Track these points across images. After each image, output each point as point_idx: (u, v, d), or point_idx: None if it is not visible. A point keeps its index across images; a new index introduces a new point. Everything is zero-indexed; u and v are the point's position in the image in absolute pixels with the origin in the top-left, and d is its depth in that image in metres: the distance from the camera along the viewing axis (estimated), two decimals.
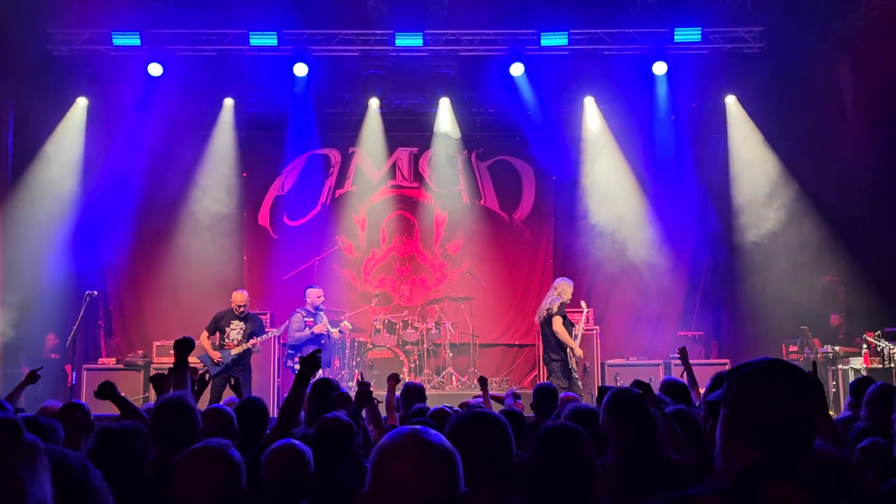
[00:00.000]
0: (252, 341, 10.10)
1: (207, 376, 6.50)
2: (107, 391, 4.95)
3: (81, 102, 12.63)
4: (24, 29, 11.22)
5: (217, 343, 10.12)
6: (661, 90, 12.77)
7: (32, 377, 6.49)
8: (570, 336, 10.17)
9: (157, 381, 5.39)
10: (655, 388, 11.90)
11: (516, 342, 13.67)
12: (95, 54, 12.28)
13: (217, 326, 10.21)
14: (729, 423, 1.96)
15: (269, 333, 10.64)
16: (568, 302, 10.44)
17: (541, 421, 5.53)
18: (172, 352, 4.98)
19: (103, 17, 11.86)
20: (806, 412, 1.89)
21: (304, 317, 10.74)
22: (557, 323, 10.13)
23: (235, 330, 10.14)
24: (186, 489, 2.88)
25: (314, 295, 10.92)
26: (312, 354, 4.62)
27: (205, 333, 10.15)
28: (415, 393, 6.58)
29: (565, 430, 3.06)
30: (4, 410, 3.91)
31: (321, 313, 10.92)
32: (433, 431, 1.86)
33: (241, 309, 10.25)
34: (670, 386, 5.89)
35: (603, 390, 5.98)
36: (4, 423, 1.61)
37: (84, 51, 12.19)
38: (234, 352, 9.98)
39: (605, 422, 3.71)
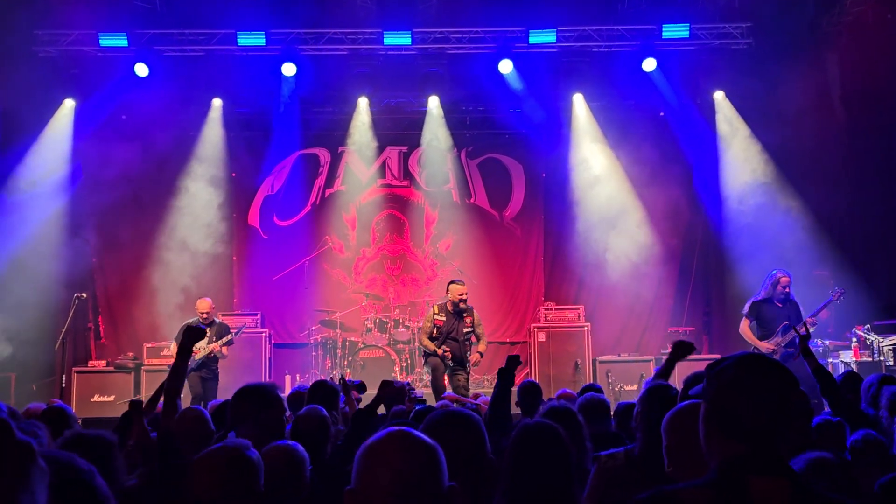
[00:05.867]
0: (212, 346, 10.09)
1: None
2: (133, 413, 4.78)
3: (68, 104, 12.57)
4: (9, 30, 11.17)
5: None
6: (650, 86, 12.78)
7: None
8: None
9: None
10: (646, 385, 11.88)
11: (507, 339, 13.65)
12: (82, 55, 12.23)
13: None
14: (709, 418, 2.00)
15: (225, 339, 10.29)
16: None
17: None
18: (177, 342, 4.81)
19: (90, 18, 11.83)
20: (782, 404, 1.92)
21: None
22: None
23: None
24: (203, 489, 2.86)
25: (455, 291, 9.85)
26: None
27: (174, 345, 10.21)
28: (394, 394, 6.57)
29: (542, 427, 3.05)
30: None
31: None
32: (415, 431, 1.91)
33: (205, 316, 10.29)
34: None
35: (587, 388, 5.97)
36: None
37: (70, 52, 12.15)
38: (197, 356, 9.98)
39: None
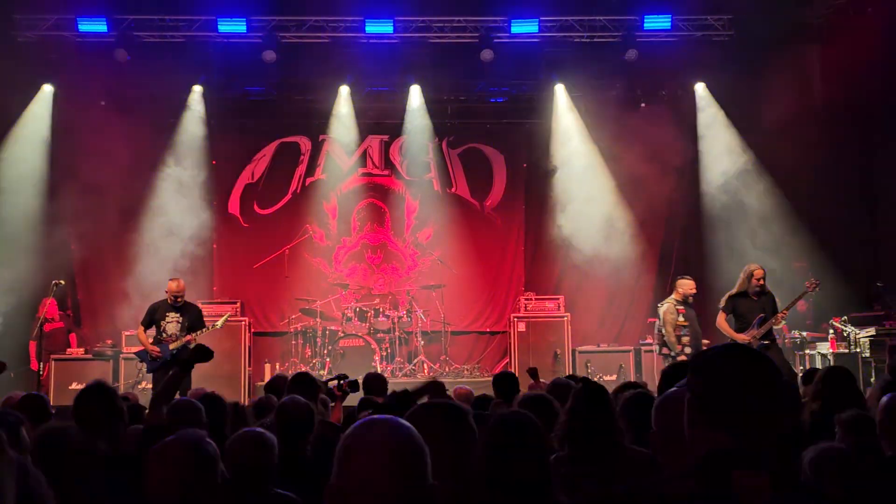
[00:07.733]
0: (188, 337, 9.47)
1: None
2: None
3: (47, 89, 12.46)
4: None
5: (155, 337, 9.62)
6: (632, 77, 12.80)
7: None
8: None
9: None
10: (629, 374, 11.94)
11: (488, 329, 13.67)
12: (61, 40, 12.12)
13: (152, 319, 9.67)
14: (693, 408, 1.99)
15: (210, 327, 9.81)
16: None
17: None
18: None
19: (69, 3, 11.71)
20: (765, 395, 1.91)
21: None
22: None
23: (172, 323, 9.58)
24: (158, 480, 2.82)
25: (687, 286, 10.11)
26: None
27: (141, 328, 9.73)
28: (378, 383, 6.58)
29: (517, 417, 3.03)
30: None
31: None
32: (402, 422, 1.83)
33: (178, 299, 9.67)
34: None
35: (569, 378, 5.98)
36: None
37: (49, 37, 12.03)
38: (172, 346, 9.46)
39: (562, 412, 3.68)
